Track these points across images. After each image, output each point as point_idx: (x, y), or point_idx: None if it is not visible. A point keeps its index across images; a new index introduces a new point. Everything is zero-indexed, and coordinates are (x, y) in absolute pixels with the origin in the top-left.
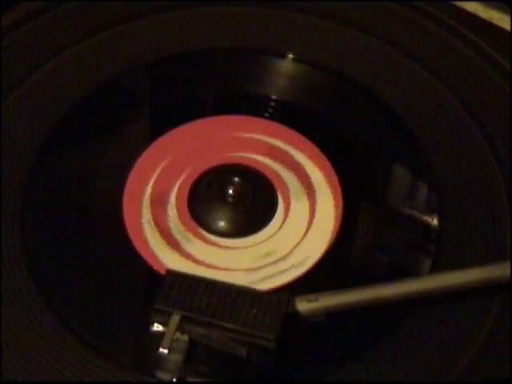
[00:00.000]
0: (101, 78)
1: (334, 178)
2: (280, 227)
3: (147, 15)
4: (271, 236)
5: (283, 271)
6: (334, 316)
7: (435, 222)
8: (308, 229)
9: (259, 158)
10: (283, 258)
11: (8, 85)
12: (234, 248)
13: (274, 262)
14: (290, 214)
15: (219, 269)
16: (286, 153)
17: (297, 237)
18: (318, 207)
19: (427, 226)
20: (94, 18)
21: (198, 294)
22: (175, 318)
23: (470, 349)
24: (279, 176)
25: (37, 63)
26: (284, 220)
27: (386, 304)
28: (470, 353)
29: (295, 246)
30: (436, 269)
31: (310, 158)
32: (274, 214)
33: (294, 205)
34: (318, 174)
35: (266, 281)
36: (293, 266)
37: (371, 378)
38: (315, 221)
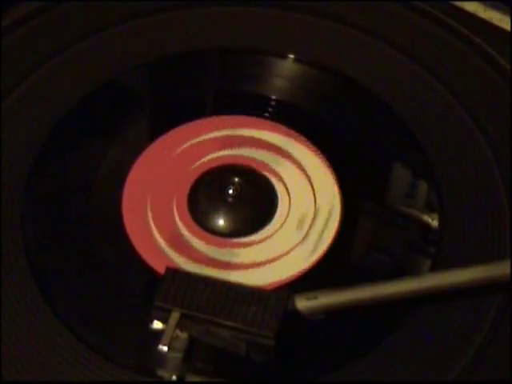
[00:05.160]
0: (101, 78)
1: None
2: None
3: (147, 15)
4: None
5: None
6: (333, 314)
7: (435, 221)
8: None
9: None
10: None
11: (8, 85)
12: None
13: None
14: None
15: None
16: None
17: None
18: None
19: (427, 225)
20: (94, 18)
21: (197, 292)
22: (175, 316)
23: (470, 349)
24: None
25: (37, 63)
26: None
27: (386, 303)
28: (470, 353)
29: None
30: (436, 269)
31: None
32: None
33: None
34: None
35: None
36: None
37: (371, 377)
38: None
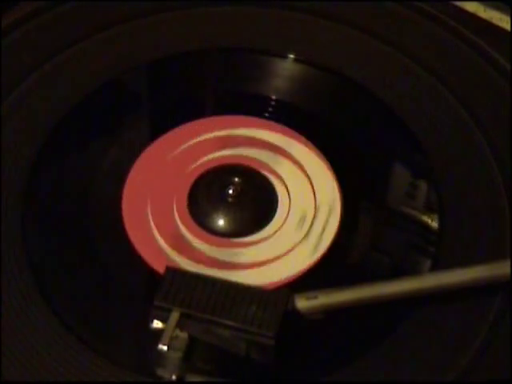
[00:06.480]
0: (101, 78)
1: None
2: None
3: (147, 15)
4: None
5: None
6: (333, 314)
7: (435, 222)
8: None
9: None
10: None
11: (8, 85)
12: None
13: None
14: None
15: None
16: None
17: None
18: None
19: (427, 226)
20: (94, 18)
21: (197, 291)
22: (174, 315)
23: (470, 349)
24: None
25: (37, 63)
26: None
27: (386, 302)
28: (470, 353)
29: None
30: (436, 269)
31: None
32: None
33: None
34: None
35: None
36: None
37: (371, 377)
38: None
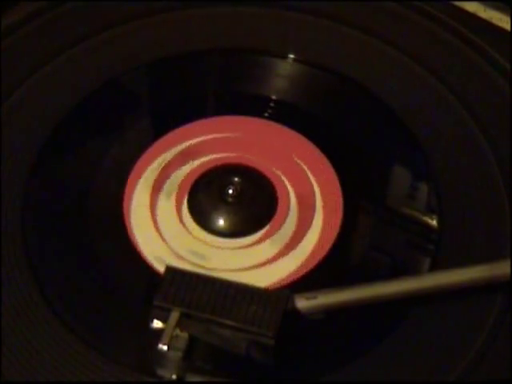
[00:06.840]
0: (101, 78)
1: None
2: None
3: (147, 15)
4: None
5: None
6: (333, 314)
7: (435, 222)
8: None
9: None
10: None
11: (8, 85)
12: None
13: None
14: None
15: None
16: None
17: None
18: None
19: (427, 226)
20: (94, 19)
21: (197, 291)
22: (174, 315)
23: (470, 349)
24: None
25: (37, 63)
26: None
27: (386, 302)
28: (470, 353)
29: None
30: (435, 269)
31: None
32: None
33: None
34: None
35: None
36: None
37: (371, 377)
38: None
